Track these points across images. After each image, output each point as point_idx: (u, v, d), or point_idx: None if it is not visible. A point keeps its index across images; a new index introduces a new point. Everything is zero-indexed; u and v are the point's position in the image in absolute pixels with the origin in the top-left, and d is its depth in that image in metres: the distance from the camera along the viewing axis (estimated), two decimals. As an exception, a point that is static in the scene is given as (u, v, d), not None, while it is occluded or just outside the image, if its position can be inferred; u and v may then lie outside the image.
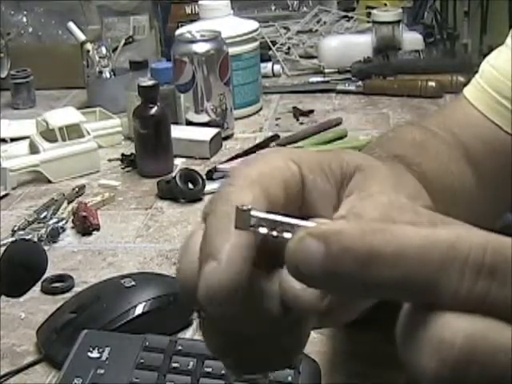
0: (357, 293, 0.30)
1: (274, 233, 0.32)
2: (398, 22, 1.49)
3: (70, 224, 0.94)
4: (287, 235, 0.31)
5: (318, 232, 0.29)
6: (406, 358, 0.28)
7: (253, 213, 0.32)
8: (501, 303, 0.28)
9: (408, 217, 0.32)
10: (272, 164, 0.38)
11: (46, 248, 0.83)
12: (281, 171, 0.38)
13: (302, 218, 0.32)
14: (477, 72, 0.72)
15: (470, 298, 0.28)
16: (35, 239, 0.89)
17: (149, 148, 1.08)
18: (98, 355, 0.60)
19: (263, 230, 0.32)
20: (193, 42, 1.18)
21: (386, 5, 1.69)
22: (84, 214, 0.93)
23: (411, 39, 1.52)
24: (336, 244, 0.28)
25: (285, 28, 1.74)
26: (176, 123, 1.17)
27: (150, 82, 1.08)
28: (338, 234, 0.29)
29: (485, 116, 0.68)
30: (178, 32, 1.26)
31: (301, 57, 1.58)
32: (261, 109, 1.33)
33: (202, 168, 1.07)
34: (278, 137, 1.18)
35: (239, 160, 1.08)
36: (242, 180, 0.37)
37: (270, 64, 1.50)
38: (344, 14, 1.77)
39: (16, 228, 0.93)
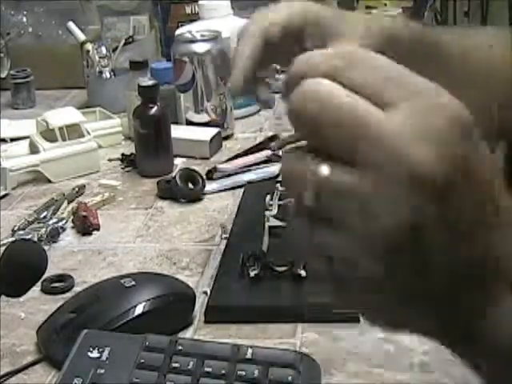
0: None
1: None
2: (398, 21, 1.49)
3: (69, 224, 0.94)
4: None
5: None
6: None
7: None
8: (350, 72, 0.37)
9: None
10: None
11: (45, 248, 0.83)
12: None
13: None
14: None
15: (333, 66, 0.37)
16: (35, 239, 0.89)
17: (149, 148, 1.08)
18: (97, 355, 0.60)
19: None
20: (193, 41, 1.18)
21: (385, 5, 1.69)
22: (84, 213, 0.93)
23: (411, 39, 1.52)
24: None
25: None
26: (176, 123, 1.17)
27: (150, 82, 1.08)
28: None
29: None
30: (177, 32, 1.26)
31: (301, 57, 1.58)
32: (261, 109, 1.33)
33: (201, 168, 1.07)
34: (278, 137, 1.18)
35: (239, 160, 1.08)
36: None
37: (269, 64, 1.50)
38: (344, 13, 1.76)
39: (16, 228, 0.93)
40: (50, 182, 1.08)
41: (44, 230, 0.91)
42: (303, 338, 0.68)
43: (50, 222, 0.93)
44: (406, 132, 0.36)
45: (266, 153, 1.08)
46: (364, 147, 0.36)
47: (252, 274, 0.74)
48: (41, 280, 0.71)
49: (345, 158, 0.36)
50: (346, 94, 0.37)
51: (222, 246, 0.84)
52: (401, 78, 0.37)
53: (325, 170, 0.36)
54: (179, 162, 1.12)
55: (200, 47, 1.17)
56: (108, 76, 1.37)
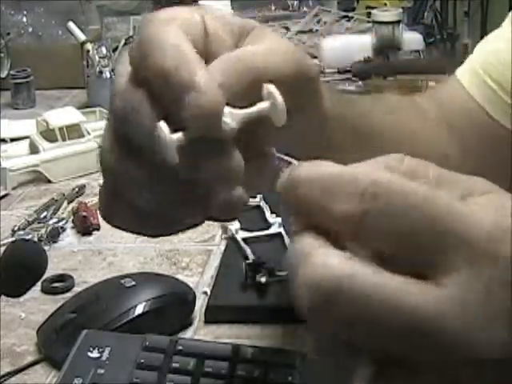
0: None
1: None
2: (398, 21, 1.49)
3: (70, 224, 0.94)
4: None
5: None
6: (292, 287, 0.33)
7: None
8: (379, 229, 0.31)
9: None
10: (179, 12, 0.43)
11: (46, 248, 0.83)
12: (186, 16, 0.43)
13: None
14: None
15: (350, 216, 0.31)
16: (35, 239, 0.89)
17: (149, 148, 1.08)
18: (97, 355, 0.60)
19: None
20: (193, 41, 1.17)
21: (386, 5, 1.69)
22: (84, 214, 0.93)
23: (411, 39, 1.52)
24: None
25: (285, 28, 1.74)
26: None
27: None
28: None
29: (472, 97, 0.69)
30: (178, 32, 1.26)
31: (301, 57, 1.58)
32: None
33: (202, 168, 1.07)
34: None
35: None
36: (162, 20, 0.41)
37: (270, 64, 1.50)
38: (344, 14, 1.77)
39: (16, 228, 0.93)
40: (49, 182, 1.08)
41: (44, 230, 0.91)
42: (303, 337, 0.68)
43: (50, 222, 0.93)
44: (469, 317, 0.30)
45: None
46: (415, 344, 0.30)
47: (260, 280, 0.73)
48: (41, 280, 0.71)
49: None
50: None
51: (222, 246, 0.84)
52: (440, 226, 0.31)
53: None
54: (179, 162, 1.12)
55: (200, 47, 1.17)
56: (108, 76, 1.37)
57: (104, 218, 0.46)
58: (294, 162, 0.39)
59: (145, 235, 0.48)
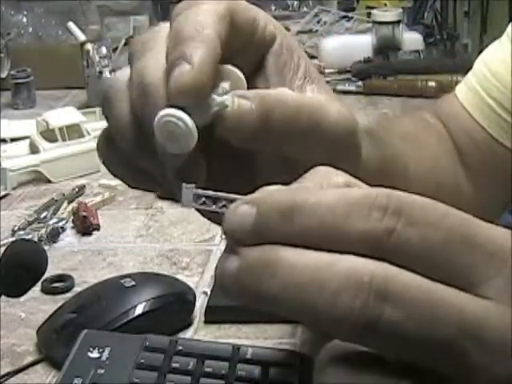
0: (284, 241, 0.32)
1: (214, 207, 0.35)
2: (398, 22, 1.49)
3: (70, 224, 0.94)
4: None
5: (251, 198, 0.32)
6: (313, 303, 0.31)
7: (195, 190, 0.36)
8: (406, 242, 0.30)
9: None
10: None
11: (46, 248, 0.83)
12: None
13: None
14: None
15: (377, 235, 0.30)
16: (35, 239, 0.89)
17: (149, 148, 1.08)
18: (97, 355, 0.59)
19: (207, 207, 0.36)
20: (193, 42, 1.17)
21: (386, 5, 1.69)
22: (84, 213, 0.93)
23: (411, 39, 1.53)
24: (264, 204, 0.32)
25: (285, 28, 1.74)
26: (176, 123, 1.17)
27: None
28: (267, 196, 0.32)
29: (472, 116, 0.68)
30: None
31: (301, 57, 1.58)
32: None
33: (202, 168, 1.07)
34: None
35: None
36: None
37: (270, 64, 1.50)
38: (344, 14, 1.77)
39: (16, 228, 0.93)
40: (49, 182, 1.08)
41: (44, 230, 0.91)
42: (303, 338, 0.68)
43: (50, 222, 0.93)
44: None
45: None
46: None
47: None
48: (41, 280, 0.71)
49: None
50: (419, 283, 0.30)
51: (222, 246, 0.84)
52: (470, 237, 0.31)
53: None
54: (179, 162, 1.12)
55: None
56: (108, 76, 1.37)
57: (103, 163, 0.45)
58: (224, 195, 0.35)
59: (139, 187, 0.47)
